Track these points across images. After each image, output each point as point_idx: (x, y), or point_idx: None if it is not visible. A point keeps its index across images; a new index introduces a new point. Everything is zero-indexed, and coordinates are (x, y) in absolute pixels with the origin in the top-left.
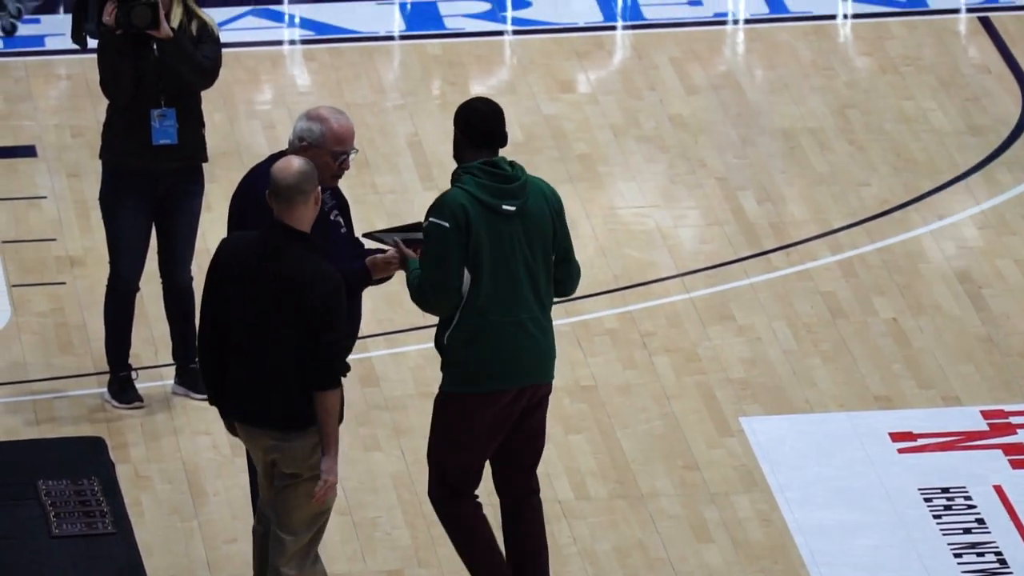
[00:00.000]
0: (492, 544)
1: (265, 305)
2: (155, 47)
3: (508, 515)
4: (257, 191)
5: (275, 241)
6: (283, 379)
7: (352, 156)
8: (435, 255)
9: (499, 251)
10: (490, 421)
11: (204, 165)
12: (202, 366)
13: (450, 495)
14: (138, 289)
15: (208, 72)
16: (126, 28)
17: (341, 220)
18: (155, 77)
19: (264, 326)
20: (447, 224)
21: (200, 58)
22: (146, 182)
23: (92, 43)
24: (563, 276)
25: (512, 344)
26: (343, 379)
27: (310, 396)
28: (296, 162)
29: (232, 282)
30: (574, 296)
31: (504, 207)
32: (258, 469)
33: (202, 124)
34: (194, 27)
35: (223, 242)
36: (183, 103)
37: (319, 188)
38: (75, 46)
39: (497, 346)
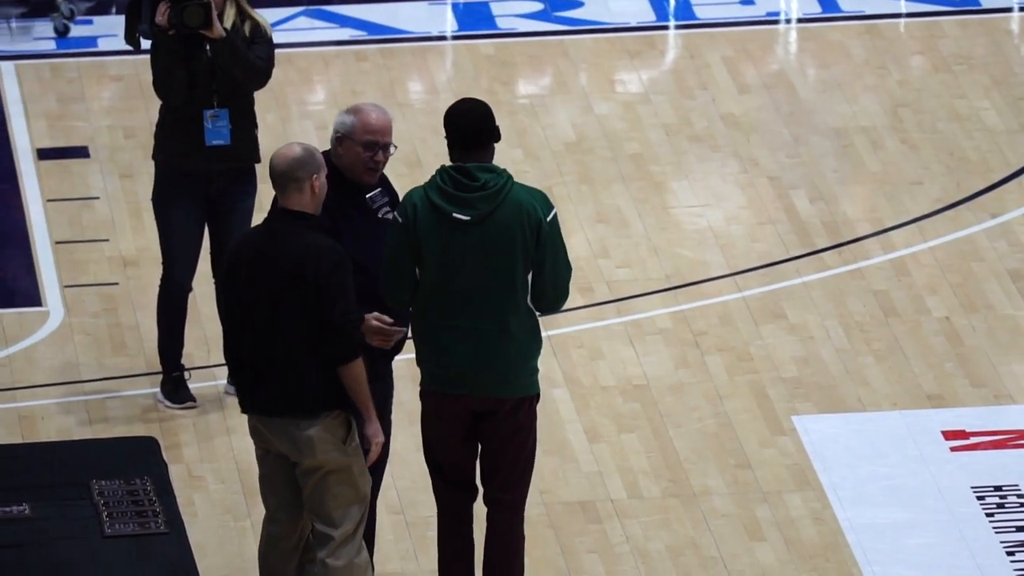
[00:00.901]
0: (450, 555)
1: (271, 288)
2: (208, 48)
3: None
4: None
5: (275, 225)
6: (295, 362)
7: (391, 151)
8: (387, 246)
9: (447, 257)
10: (440, 422)
11: (256, 166)
12: (227, 364)
13: (435, 493)
14: (191, 289)
15: (261, 72)
16: (179, 28)
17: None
18: (208, 78)
19: (272, 309)
20: (399, 220)
21: (253, 58)
22: (198, 183)
23: (145, 44)
24: (537, 292)
25: (451, 350)
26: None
27: (324, 380)
28: (295, 148)
29: (240, 273)
30: (626, 295)
31: (455, 215)
32: (267, 469)
33: (255, 125)
34: (247, 28)
35: (235, 240)
36: (236, 104)
37: (321, 176)
38: (128, 47)
39: (436, 349)
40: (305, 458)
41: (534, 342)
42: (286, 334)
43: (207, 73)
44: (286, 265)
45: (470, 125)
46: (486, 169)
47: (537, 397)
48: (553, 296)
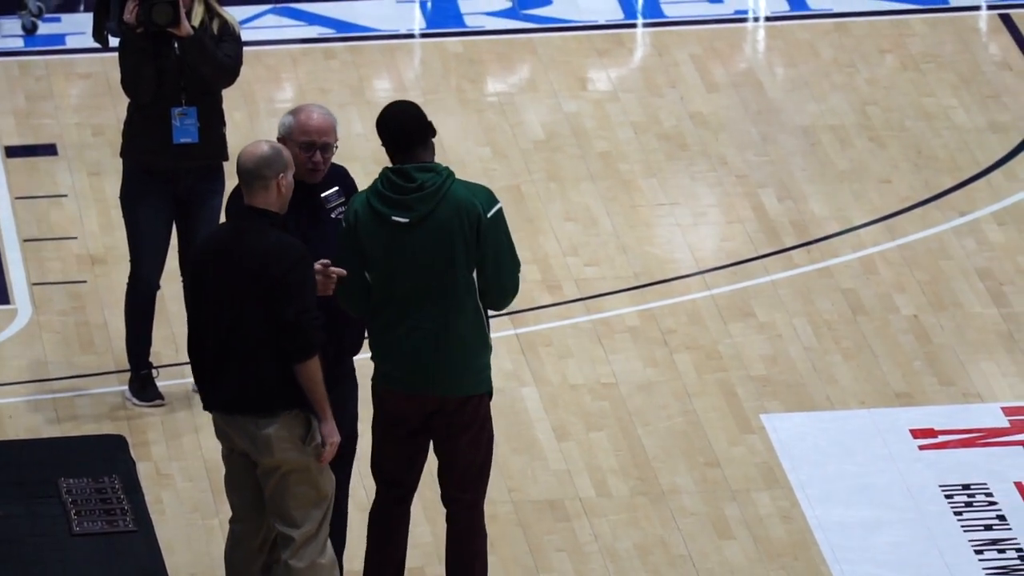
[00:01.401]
0: (376, 553)
1: (234, 285)
2: (176, 46)
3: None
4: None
5: (240, 223)
6: (255, 360)
7: (333, 150)
8: (337, 253)
9: (390, 259)
10: (388, 419)
11: (225, 164)
12: (191, 360)
13: (376, 487)
14: (159, 287)
15: (229, 70)
16: (147, 26)
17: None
18: (176, 76)
19: (234, 306)
20: (343, 225)
21: (221, 56)
22: (166, 181)
23: (113, 42)
24: (483, 288)
25: (398, 350)
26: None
27: (283, 378)
28: (262, 147)
29: (206, 270)
30: (595, 293)
31: (394, 218)
32: (231, 468)
33: (223, 123)
34: (215, 25)
35: (201, 237)
36: (204, 102)
37: (288, 175)
38: (96, 44)
39: (386, 349)
40: (264, 457)
41: (481, 341)
42: (247, 331)
43: (175, 71)
44: (249, 263)
45: (401, 127)
46: (425, 169)
47: (488, 395)
48: (499, 292)
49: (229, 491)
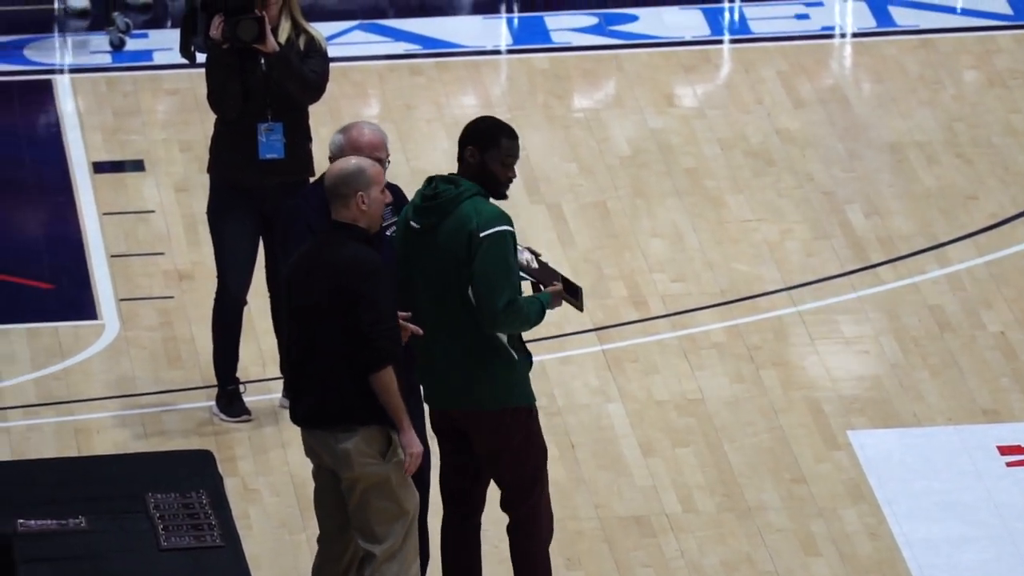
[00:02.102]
0: (448, 571)
1: (314, 298)
2: (263, 61)
3: None
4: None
5: (324, 237)
6: (333, 373)
7: (386, 164)
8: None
9: (409, 264)
10: (435, 434)
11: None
12: (283, 376)
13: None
14: (245, 303)
15: (315, 86)
16: (233, 42)
17: None
18: (262, 91)
19: (314, 320)
20: (396, 230)
21: (307, 72)
22: (252, 197)
23: (201, 58)
24: (476, 307)
25: (421, 361)
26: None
27: (361, 392)
28: (347, 163)
29: (293, 284)
30: (681, 309)
31: (412, 223)
32: (319, 485)
33: (309, 139)
34: (302, 41)
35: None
36: (290, 117)
37: (370, 192)
38: (183, 60)
39: (417, 360)
40: (345, 471)
41: (495, 354)
42: (325, 344)
43: (262, 87)
44: (327, 275)
45: (460, 137)
46: (449, 181)
47: (525, 409)
48: (485, 315)
49: (317, 508)
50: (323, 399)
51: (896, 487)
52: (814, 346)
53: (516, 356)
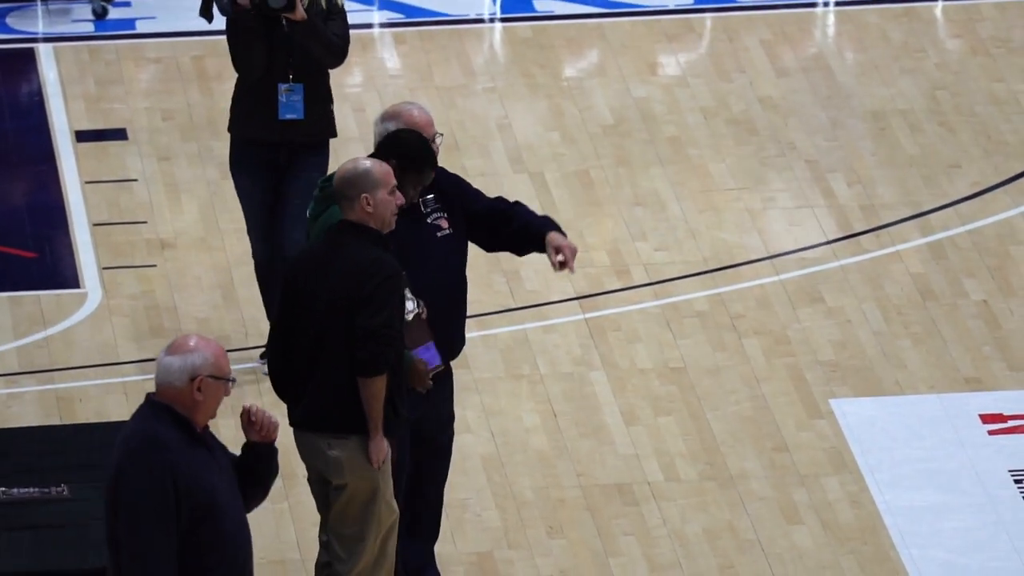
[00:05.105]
0: None
1: (321, 298)
2: (284, 23)
3: None
4: None
5: (335, 236)
6: (336, 375)
7: (439, 140)
8: None
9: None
10: None
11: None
12: (270, 372)
13: None
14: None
15: (339, 51)
16: (261, 9)
17: (445, 223)
18: (284, 53)
19: (319, 321)
20: None
21: (332, 37)
22: (269, 151)
23: (218, 19)
24: None
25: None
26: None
27: (360, 400)
28: (355, 165)
29: (298, 282)
30: (664, 278)
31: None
32: (315, 496)
33: (330, 100)
34: (323, 1)
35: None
36: (311, 79)
37: (376, 194)
38: (166, 29)
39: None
40: (334, 478)
41: None
42: (331, 347)
43: (283, 48)
44: (338, 276)
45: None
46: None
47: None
48: None
49: (320, 512)
50: (325, 403)
51: (878, 455)
52: (796, 315)
53: None
